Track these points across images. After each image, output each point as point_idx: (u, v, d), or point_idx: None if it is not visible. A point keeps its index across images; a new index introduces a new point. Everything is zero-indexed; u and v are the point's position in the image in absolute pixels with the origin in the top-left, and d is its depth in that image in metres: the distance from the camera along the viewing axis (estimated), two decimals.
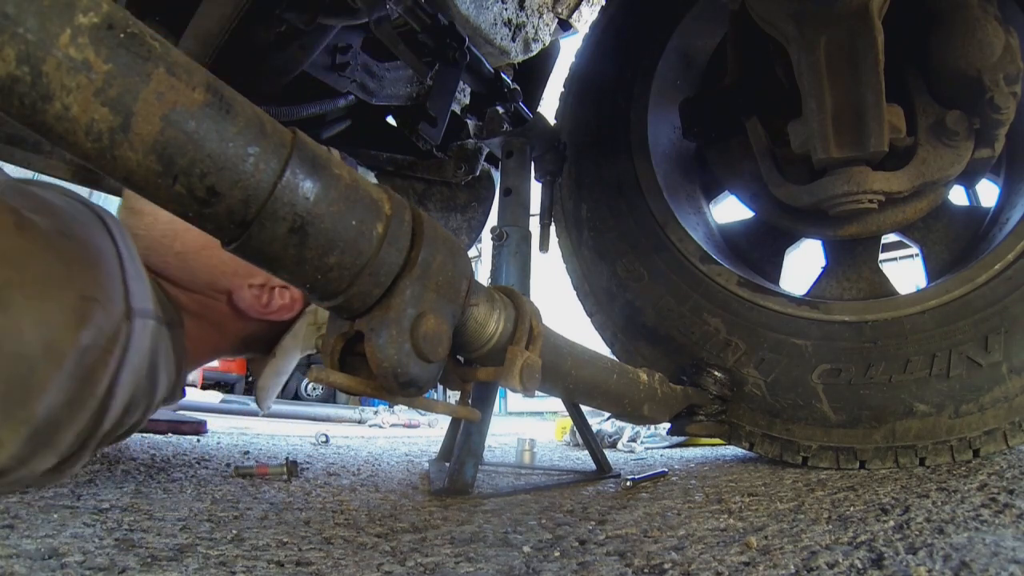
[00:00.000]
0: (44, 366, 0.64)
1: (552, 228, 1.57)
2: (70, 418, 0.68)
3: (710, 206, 1.64)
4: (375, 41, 1.37)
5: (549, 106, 1.69)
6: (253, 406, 5.07)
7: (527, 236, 1.43)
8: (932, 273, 1.35)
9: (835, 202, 1.18)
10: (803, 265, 1.63)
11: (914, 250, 1.41)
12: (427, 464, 1.60)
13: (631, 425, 2.06)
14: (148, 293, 0.81)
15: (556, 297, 1.81)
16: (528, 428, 4.25)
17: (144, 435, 2.22)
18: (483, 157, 1.68)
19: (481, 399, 1.20)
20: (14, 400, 0.63)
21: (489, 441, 1.97)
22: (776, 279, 1.51)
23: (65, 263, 0.69)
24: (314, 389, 9.26)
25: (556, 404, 3.21)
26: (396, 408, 4.91)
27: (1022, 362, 1.07)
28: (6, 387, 0.62)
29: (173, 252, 0.90)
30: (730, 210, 1.71)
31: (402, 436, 3.58)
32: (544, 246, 1.46)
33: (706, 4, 1.49)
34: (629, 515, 0.85)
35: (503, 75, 1.55)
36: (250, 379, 10.33)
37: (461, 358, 0.71)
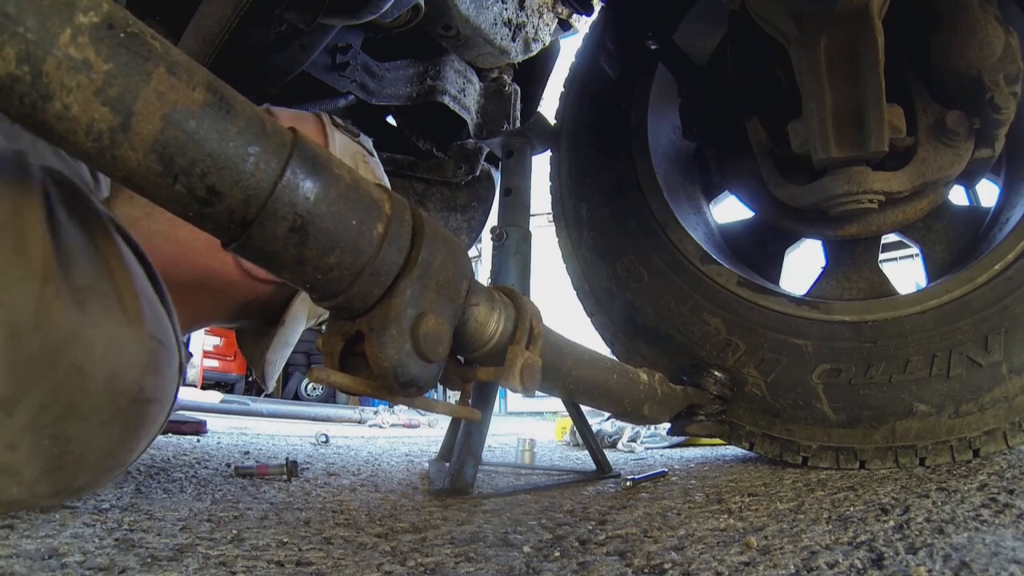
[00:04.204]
0: (98, 402, 0.59)
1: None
2: (100, 465, 0.65)
3: (710, 206, 1.64)
4: (375, 41, 1.37)
5: (549, 106, 1.69)
6: (253, 406, 5.06)
7: (527, 236, 1.43)
8: (932, 273, 1.35)
9: (835, 202, 1.18)
10: (803, 265, 1.63)
11: (914, 250, 1.41)
12: (427, 464, 1.60)
13: (631, 425, 2.06)
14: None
15: (556, 297, 1.81)
16: (528, 428, 4.25)
17: None
18: (483, 157, 1.68)
19: (481, 399, 1.20)
20: (51, 432, 0.58)
21: (489, 441, 1.97)
22: (776, 279, 1.50)
23: (133, 296, 0.63)
24: (314, 389, 9.26)
25: (556, 404, 3.21)
26: (396, 408, 4.91)
27: (1022, 362, 1.07)
28: (45, 411, 0.57)
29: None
30: (730, 210, 1.71)
31: (402, 436, 3.58)
32: None
33: (706, 4, 1.49)
34: (629, 515, 0.85)
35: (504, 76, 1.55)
36: (250, 379, 10.33)
37: (461, 358, 0.71)
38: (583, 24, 1.64)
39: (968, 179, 1.32)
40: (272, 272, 0.51)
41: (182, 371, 0.71)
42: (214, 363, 9.33)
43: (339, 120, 1.05)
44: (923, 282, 1.35)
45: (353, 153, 1.02)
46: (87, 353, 0.58)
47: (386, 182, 1.11)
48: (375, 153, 1.11)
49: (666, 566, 0.57)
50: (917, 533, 0.63)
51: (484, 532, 0.75)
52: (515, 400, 9.11)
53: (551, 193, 1.64)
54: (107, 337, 0.59)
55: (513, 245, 1.40)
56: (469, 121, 1.51)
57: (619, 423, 2.21)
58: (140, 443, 0.68)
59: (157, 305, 0.67)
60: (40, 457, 0.59)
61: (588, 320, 1.53)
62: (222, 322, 1.01)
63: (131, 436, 0.66)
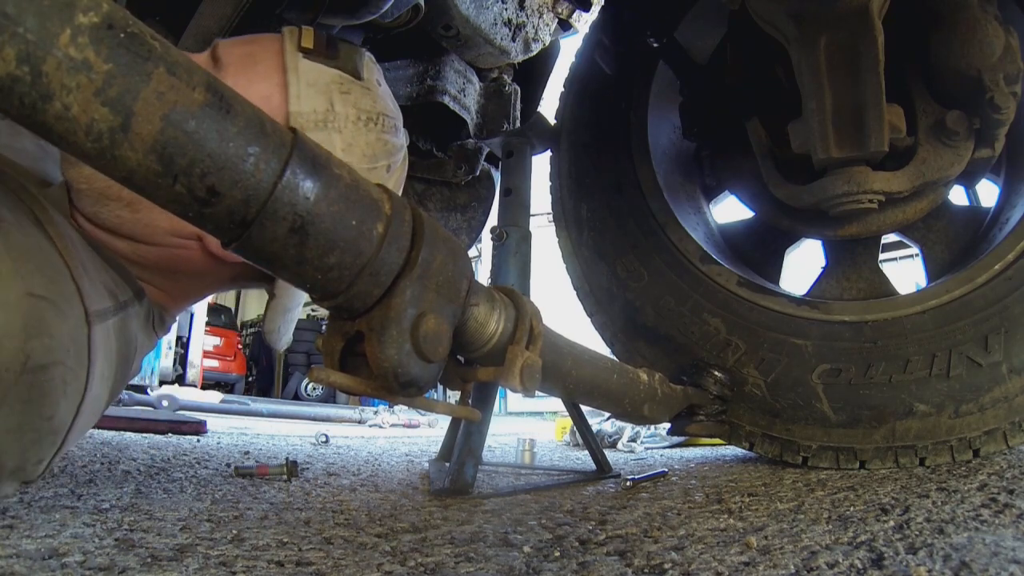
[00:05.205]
0: None
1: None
2: (17, 446, 0.59)
3: (710, 206, 1.64)
4: (375, 41, 1.37)
5: (549, 106, 1.69)
6: (253, 406, 5.07)
7: (527, 236, 1.43)
8: (932, 273, 1.35)
9: (835, 202, 1.18)
10: (803, 265, 1.63)
11: (914, 250, 1.41)
12: (427, 464, 1.60)
13: (631, 425, 2.06)
14: (101, 288, 0.70)
15: (556, 297, 1.81)
16: (528, 428, 4.25)
17: (144, 435, 2.22)
18: (483, 157, 1.68)
19: (481, 399, 1.20)
20: None
21: (489, 441, 1.97)
22: (776, 279, 1.51)
23: (5, 250, 0.56)
24: (314, 389, 9.27)
25: (556, 404, 3.21)
26: (396, 408, 4.91)
27: (1022, 362, 1.07)
28: None
29: (123, 203, 0.77)
30: (730, 210, 1.71)
31: (402, 436, 3.59)
32: None
33: (706, 3, 1.49)
34: (629, 515, 0.85)
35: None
36: (250, 379, 10.34)
37: (461, 358, 0.71)
38: (583, 24, 1.64)
39: (968, 179, 1.32)
40: (272, 272, 0.51)
41: (90, 321, 0.65)
42: (214, 363, 9.34)
43: (313, 37, 0.84)
44: (923, 282, 1.35)
45: (326, 83, 0.82)
46: None
47: (391, 106, 0.90)
48: (370, 71, 0.88)
49: (666, 566, 0.57)
50: (917, 533, 0.63)
51: (484, 532, 0.75)
52: (515, 400, 9.11)
53: (551, 193, 1.64)
54: None
55: (513, 245, 1.40)
56: (469, 121, 1.51)
57: (619, 423, 2.21)
58: (58, 411, 0.62)
59: (39, 255, 0.60)
60: None
61: (588, 320, 1.53)
62: (219, 291, 0.97)
63: (39, 407, 0.60)
